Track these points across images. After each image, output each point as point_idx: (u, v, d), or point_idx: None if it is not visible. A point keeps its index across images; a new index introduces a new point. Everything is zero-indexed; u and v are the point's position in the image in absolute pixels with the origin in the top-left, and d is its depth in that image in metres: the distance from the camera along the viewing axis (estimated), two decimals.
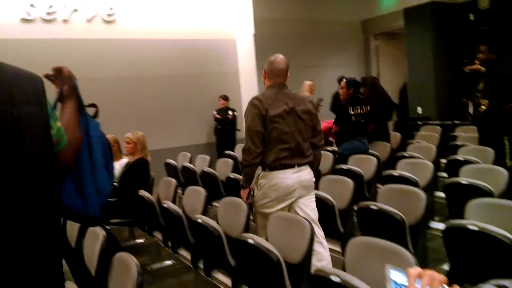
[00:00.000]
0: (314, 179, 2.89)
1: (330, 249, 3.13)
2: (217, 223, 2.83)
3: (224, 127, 7.42)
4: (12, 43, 6.19)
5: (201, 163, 5.67)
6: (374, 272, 1.57)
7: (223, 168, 5.14)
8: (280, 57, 3.04)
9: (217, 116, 7.45)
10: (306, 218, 2.51)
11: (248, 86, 8.00)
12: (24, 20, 6.34)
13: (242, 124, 8.01)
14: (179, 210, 3.21)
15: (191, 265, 3.13)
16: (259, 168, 2.87)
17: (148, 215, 3.81)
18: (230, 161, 5.23)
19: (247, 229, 2.79)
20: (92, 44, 6.77)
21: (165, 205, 3.30)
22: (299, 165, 2.78)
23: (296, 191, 2.76)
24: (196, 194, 3.54)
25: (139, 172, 4.09)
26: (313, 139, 2.89)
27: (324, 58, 8.48)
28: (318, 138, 2.91)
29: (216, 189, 4.59)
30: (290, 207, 2.80)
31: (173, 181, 4.12)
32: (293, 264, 2.30)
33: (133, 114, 6.88)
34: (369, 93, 5.18)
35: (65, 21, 6.61)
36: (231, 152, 6.11)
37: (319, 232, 2.78)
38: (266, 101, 2.79)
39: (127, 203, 3.95)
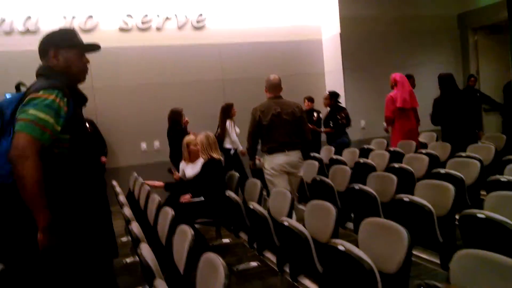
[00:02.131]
0: (301, 160, 4.21)
1: (426, 259, 2.87)
2: (304, 226, 2.71)
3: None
4: (111, 50, 6.64)
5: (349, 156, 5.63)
6: None
7: (309, 170, 5.01)
8: (274, 76, 4.34)
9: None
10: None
11: (334, 87, 7.76)
12: (122, 30, 6.79)
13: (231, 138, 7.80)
14: (265, 212, 3.15)
15: (276, 268, 3.04)
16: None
17: (234, 215, 3.81)
18: (316, 163, 5.08)
19: (336, 234, 2.63)
20: (183, 49, 7.05)
21: (251, 206, 3.26)
22: (288, 150, 4.06)
23: (286, 167, 4.08)
24: (281, 196, 3.45)
25: (210, 172, 4.08)
26: (298, 132, 4.11)
27: (417, 57, 7.96)
28: (303, 131, 4.14)
29: (302, 191, 4.48)
30: (288, 179, 4.13)
31: (259, 182, 4.08)
32: (388, 274, 2.11)
33: (204, 114, 6.99)
34: (442, 90, 5.38)
35: (158, 29, 6.96)
36: (316, 154, 5.95)
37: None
38: (260, 109, 4.11)
39: (213, 203, 3.99)
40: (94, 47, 2.14)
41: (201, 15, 7.19)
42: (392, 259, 2.13)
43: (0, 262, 1.77)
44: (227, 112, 6.25)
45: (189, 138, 4.62)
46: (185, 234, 2.35)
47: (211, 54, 7.24)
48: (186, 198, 4.16)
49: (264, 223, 3.07)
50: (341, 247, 2.10)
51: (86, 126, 1.99)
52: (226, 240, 4.52)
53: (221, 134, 6.16)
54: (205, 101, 7.00)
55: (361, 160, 4.87)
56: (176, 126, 5.77)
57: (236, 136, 6.22)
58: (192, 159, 4.56)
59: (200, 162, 4.33)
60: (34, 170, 1.65)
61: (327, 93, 6.67)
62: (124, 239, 4.67)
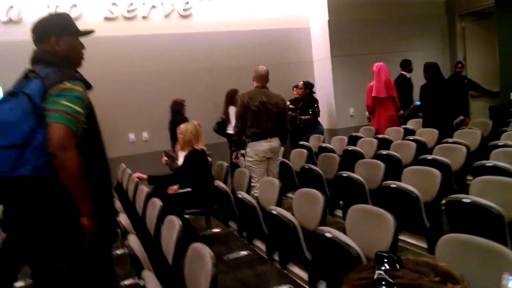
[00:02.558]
0: (281, 146, 4.54)
1: (413, 244, 2.91)
2: (292, 215, 2.72)
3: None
4: (97, 40, 6.45)
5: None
6: (472, 273, 1.36)
7: (297, 159, 5.02)
8: (262, 67, 4.64)
9: (291, 106, 7.30)
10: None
11: (322, 75, 7.76)
12: (107, 19, 6.67)
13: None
14: (254, 201, 3.16)
15: (266, 257, 3.06)
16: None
17: (223, 205, 3.82)
18: (305, 151, 5.10)
19: (323, 222, 2.65)
20: (170, 38, 6.95)
21: (239, 196, 3.27)
22: (270, 137, 4.33)
23: (268, 153, 4.34)
24: (270, 185, 3.46)
25: (192, 163, 4.08)
26: (280, 122, 4.41)
27: (404, 43, 7.95)
28: (284, 122, 4.45)
29: (291, 180, 4.49)
30: (268, 164, 4.39)
31: (247, 171, 4.08)
32: None
33: (210, 105, 6.96)
34: (429, 79, 5.45)
35: (144, 17, 6.85)
36: (305, 143, 5.97)
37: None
38: (248, 95, 4.40)
39: (200, 193, 3.99)
40: (89, 33, 2.13)
41: (187, 3, 7.08)
42: (379, 245, 2.15)
43: (40, 252, 1.80)
44: (231, 98, 6.33)
45: (181, 127, 4.58)
46: (173, 224, 2.35)
47: (199, 43, 7.15)
48: (173, 189, 4.16)
49: (252, 212, 3.08)
50: (328, 234, 2.11)
51: (95, 113, 2.00)
52: (216, 230, 4.53)
53: (225, 120, 6.26)
54: (193, 90, 6.95)
55: (350, 148, 4.90)
56: (178, 116, 5.79)
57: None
58: (182, 147, 4.57)
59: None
60: (76, 161, 1.72)
61: (302, 82, 6.74)
62: None
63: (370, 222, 2.28)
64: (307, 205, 2.85)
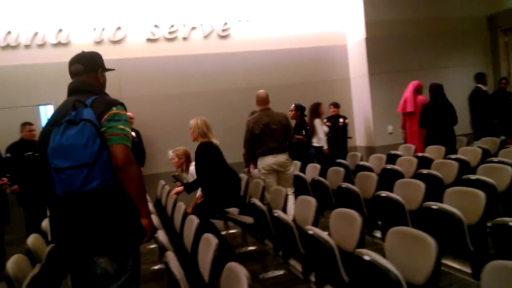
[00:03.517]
0: (288, 160, 4.93)
1: (457, 269, 2.77)
2: (329, 234, 2.66)
3: (335, 134, 7.17)
4: (140, 61, 6.78)
5: (312, 172, 5.53)
6: None
7: (334, 177, 4.94)
8: (262, 91, 5.09)
9: (328, 123, 7.24)
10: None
11: (360, 92, 7.67)
12: (150, 40, 6.90)
13: (354, 132, 7.70)
14: (290, 220, 3.11)
15: (302, 277, 3.00)
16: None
17: (259, 223, 3.79)
18: (342, 169, 5.01)
19: (362, 243, 2.57)
20: (209, 58, 7.10)
21: (275, 214, 3.23)
22: (276, 153, 4.83)
23: (274, 166, 4.85)
24: (306, 204, 3.41)
25: (203, 156, 4.04)
26: (285, 137, 4.89)
27: (445, 59, 7.76)
28: (289, 136, 4.91)
29: (327, 198, 4.41)
30: (278, 178, 4.90)
31: (283, 189, 4.05)
32: (416, 285, 2.04)
33: (243, 124, 6.98)
34: (432, 100, 5.88)
35: (184, 38, 7.05)
36: (342, 161, 5.87)
37: (290, 196, 4.63)
38: (253, 121, 4.93)
39: (218, 189, 3.99)
40: (111, 70, 2.44)
41: (226, 23, 7.24)
42: (420, 270, 2.06)
43: (90, 252, 2.01)
44: (315, 111, 6.59)
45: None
46: (210, 242, 2.35)
47: (236, 62, 7.27)
48: (177, 190, 4.46)
49: (288, 231, 3.04)
50: (366, 257, 2.04)
51: None
52: (252, 248, 4.50)
53: (310, 133, 6.51)
54: (229, 110, 7.02)
55: (388, 167, 4.77)
56: None
57: (323, 135, 6.62)
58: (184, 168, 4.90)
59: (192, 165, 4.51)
60: (138, 172, 2.05)
61: (293, 105, 6.58)
62: (152, 246, 4.71)
63: (411, 245, 2.20)
64: (344, 225, 2.78)
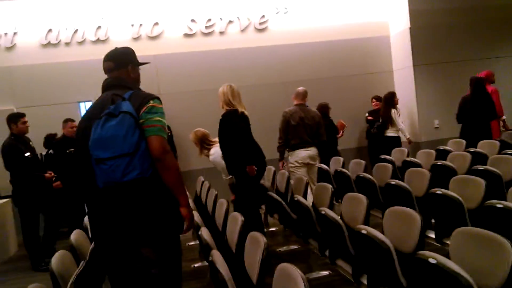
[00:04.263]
0: (317, 154, 5.22)
1: None
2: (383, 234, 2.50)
3: (377, 130, 6.92)
4: (177, 56, 6.76)
5: (356, 168, 5.32)
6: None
7: (381, 174, 4.73)
8: (302, 88, 5.40)
9: (369, 118, 7.01)
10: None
11: (403, 85, 7.38)
12: (187, 35, 6.88)
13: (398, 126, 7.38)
14: (338, 218, 2.96)
15: (351, 279, 2.84)
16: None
17: (303, 221, 3.65)
18: (389, 166, 4.78)
19: (421, 245, 2.39)
20: (246, 52, 7.03)
21: (322, 212, 3.08)
22: (308, 146, 5.12)
23: (307, 159, 5.11)
24: (356, 201, 3.24)
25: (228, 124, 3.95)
26: (316, 134, 5.18)
27: (494, 49, 7.33)
28: (320, 133, 5.20)
29: (374, 196, 4.22)
30: (307, 171, 5.13)
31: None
32: None
33: (277, 121, 6.84)
34: (472, 93, 5.78)
35: (221, 32, 7.00)
36: (387, 156, 5.63)
37: (313, 187, 4.80)
38: (289, 112, 5.19)
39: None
40: (145, 63, 2.49)
41: (263, 16, 7.12)
42: (494, 274, 1.88)
43: (133, 243, 2.05)
44: (390, 100, 6.45)
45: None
46: (258, 241, 2.24)
47: (274, 56, 7.15)
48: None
49: (337, 230, 2.89)
50: (432, 260, 1.88)
51: None
52: (294, 247, 4.36)
53: (384, 123, 6.45)
54: (266, 104, 6.88)
55: (439, 162, 4.52)
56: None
57: (402, 124, 6.50)
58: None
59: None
60: (175, 161, 2.13)
61: None
62: (191, 243, 4.67)
63: (481, 247, 2.01)
64: (400, 225, 2.60)
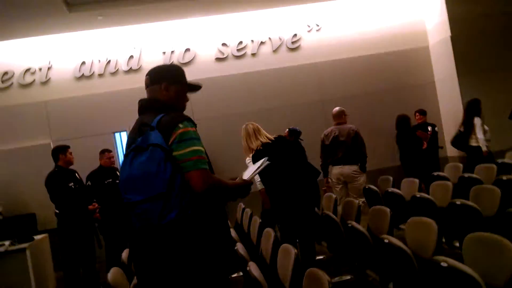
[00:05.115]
0: (357, 171, 5.95)
1: None
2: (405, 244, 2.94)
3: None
4: (210, 81, 7.42)
5: (406, 188, 5.54)
6: None
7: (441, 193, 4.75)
8: (336, 108, 6.31)
9: (419, 133, 7.19)
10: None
11: (448, 97, 7.75)
12: (218, 59, 7.60)
13: (443, 140, 7.73)
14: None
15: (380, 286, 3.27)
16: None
17: (331, 233, 4.10)
18: (448, 184, 4.81)
19: (440, 250, 2.85)
20: (279, 72, 7.64)
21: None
22: (343, 164, 5.97)
23: (340, 177, 6.04)
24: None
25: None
26: (354, 149, 5.90)
27: None
28: (357, 148, 5.91)
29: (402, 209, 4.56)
30: (347, 189, 6.02)
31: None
32: None
33: (314, 139, 7.27)
34: None
35: (253, 54, 7.67)
36: (441, 173, 5.84)
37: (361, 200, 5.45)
38: (325, 134, 6.18)
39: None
40: (197, 88, 2.43)
41: (295, 35, 7.74)
42: (499, 274, 2.34)
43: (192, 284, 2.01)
44: (474, 107, 6.40)
45: None
46: (289, 252, 2.78)
47: (308, 75, 7.72)
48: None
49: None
50: (443, 264, 2.33)
51: None
52: (347, 277, 4.50)
53: (466, 132, 6.44)
54: (305, 124, 7.31)
55: (504, 178, 4.63)
56: None
57: (483, 135, 6.29)
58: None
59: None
60: (220, 188, 2.10)
61: (287, 130, 6.31)
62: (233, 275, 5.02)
63: (489, 251, 2.47)
64: (419, 234, 3.07)
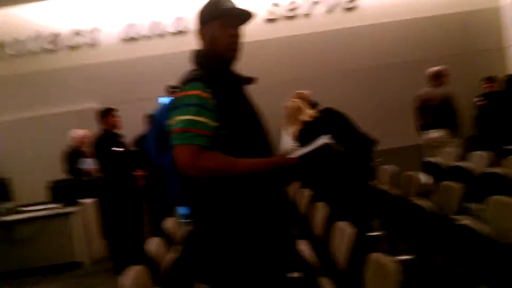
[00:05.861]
0: (447, 136, 5.71)
1: None
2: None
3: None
4: (257, 44, 7.08)
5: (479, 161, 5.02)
6: None
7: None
8: (431, 68, 5.97)
9: (483, 102, 6.73)
10: None
11: None
12: (268, 20, 7.20)
13: None
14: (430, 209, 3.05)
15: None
16: None
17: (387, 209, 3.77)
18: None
19: None
20: (333, 35, 7.20)
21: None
22: (432, 128, 5.83)
23: (430, 142, 5.84)
24: (450, 190, 3.31)
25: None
26: (444, 114, 5.73)
27: None
28: (447, 113, 5.75)
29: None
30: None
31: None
32: None
33: (374, 107, 6.95)
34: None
35: (306, 15, 7.24)
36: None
37: None
38: (418, 94, 5.94)
39: None
40: (244, 15, 1.85)
41: None
42: None
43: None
44: None
45: None
46: (345, 231, 2.47)
47: (363, 38, 7.23)
48: None
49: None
50: None
51: (251, 114, 1.91)
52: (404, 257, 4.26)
53: None
54: (357, 91, 6.99)
55: None
56: None
57: None
58: None
59: None
60: (211, 166, 1.65)
61: None
62: None
63: None
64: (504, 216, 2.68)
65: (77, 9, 7.25)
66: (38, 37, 7.27)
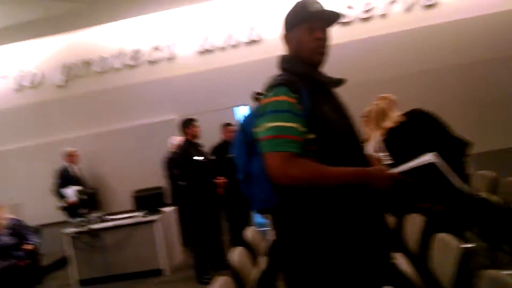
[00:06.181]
0: None
1: None
2: None
3: None
4: (333, 48, 6.89)
5: None
6: None
7: None
8: None
9: None
10: None
11: None
12: (343, 23, 6.99)
13: None
14: None
15: None
16: None
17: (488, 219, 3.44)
18: None
19: None
20: (412, 34, 6.85)
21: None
22: None
23: None
24: None
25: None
26: None
27: None
28: None
29: None
30: None
31: None
32: None
33: (455, 108, 6.47)
34: None
35: (382, 15, 6.97)
36: None
37: None
38: None
39: None
40: (331, 17, 1.83)
41: None
42: None
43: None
44: None
45: None
46: (449, 245, 2.21)
47: (445, 35, 6.80)
48: None
49: None
50: None
51: (340, 118, 1.79)
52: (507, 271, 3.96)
53: None
54: (442, 92, 6.57)
55: None
56: None
57: None
58: None
59: None
60: (301, 174, 1.58)
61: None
62: None
63: None
64: None
65: (155, 26, 7.55)
66: (120, 54, 7.63)
